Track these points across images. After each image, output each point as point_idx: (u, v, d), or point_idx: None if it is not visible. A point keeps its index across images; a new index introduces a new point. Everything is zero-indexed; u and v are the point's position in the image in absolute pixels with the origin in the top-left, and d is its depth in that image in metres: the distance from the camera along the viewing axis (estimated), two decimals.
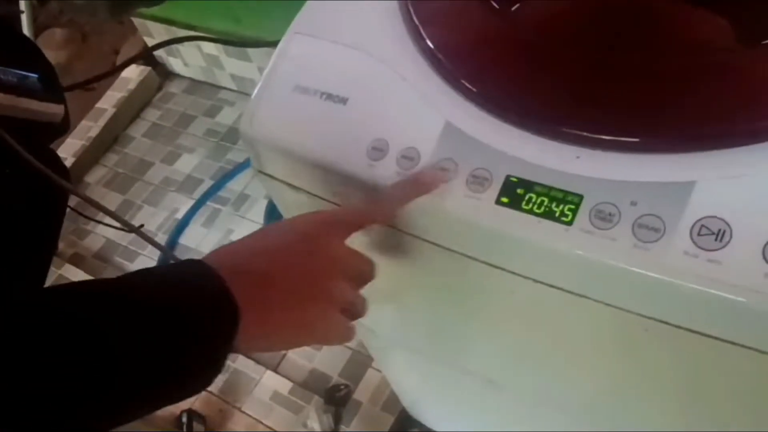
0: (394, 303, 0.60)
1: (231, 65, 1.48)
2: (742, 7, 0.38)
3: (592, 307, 0.39)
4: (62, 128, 0.59)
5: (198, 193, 1.45)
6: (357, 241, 0.54)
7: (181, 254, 1.36)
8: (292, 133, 0.46)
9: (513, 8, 0.42)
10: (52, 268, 1.38)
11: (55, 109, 0.55)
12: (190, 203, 1.43)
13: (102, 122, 1.59)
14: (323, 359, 1.16)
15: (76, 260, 1.43)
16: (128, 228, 0.77)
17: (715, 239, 0.34)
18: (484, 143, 0.40)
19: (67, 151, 1.56)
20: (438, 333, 0.59)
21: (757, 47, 0.37)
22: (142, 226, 1.37)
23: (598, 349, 0.46)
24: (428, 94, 0.42)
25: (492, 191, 0.39)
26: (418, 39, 0.44)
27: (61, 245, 1.45)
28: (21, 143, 0.49)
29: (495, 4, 0.43)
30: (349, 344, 1.15)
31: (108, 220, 0.67)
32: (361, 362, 1.14)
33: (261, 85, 0.48)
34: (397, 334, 0.67)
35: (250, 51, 1.38)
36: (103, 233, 1.46)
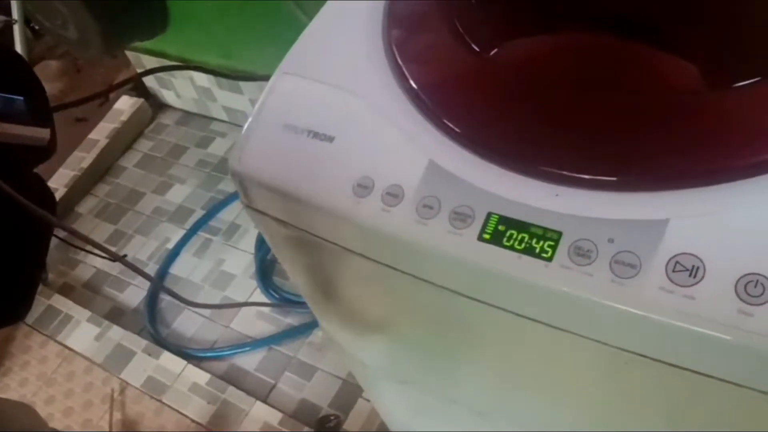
0: (382, 334, 0.60)
1: (223, 97, 1.50)
2: (709, 54, 0.39)
3: (573, 341, 0.40)
4: (49, 151, 0.59)
5: (189, 223, 1.45)
6: (345, 275, 0.54)
7: (172, 284, 1.36)
8: (279, 170, 0.47)
9: (492, 52, 0.43)
10: (42, 299, 1.37)
11: (42, 133, 0.55)
12: (182, 233, 1.44)
13: (94, 153, 1.60)
14: (313, 389, 1.16)
15: (66, 290, 1.43)
16: (112, 257, 0.77)
17: (689, 275, 0.35)
18: (466, 181, 0.41)
19: (59, 181, 1.57)
20: (425, 364, 0.60)
21: (725, 91, 0.38)
22: (125, 255, 1.38)
23: (582, 381, 0.47)
24: (412, 133, 0.44)
25: (474, 228, 0.40)
26: (402, 80, 0.45)
27: (50, 275, 1.45)
28: (5, 168, 0.49)
29: (475, 47, 0.44)
30: (338, 374, 1.15)
31: (90, 248, 0.68)
32: (351, 392, 1.13)
33: (250, 122, 0.49)
34: (385, 365, 0.67)
35: (242, 84, 1.39)
36: (92, 263, 1.46)
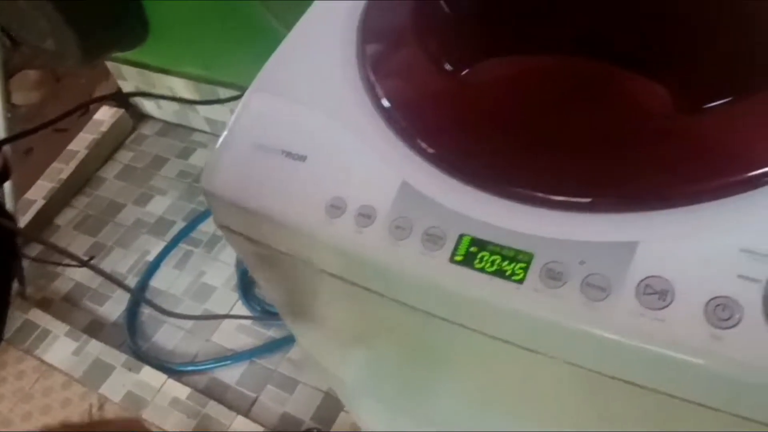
0: (357, 352, 0.60)
1: (204, 108, 1.49)
2: (679, 76, 0.40)
3: (546, 363, 0.40)
4: (2, 177, 0.58)
5: (170, 235, 1.44)
6: (319, 294, 0.54)
7: (153, 296, 1.35)
8: (251, 189, 0.46)
9: (464, 72, 0.43)
10: (19, 313, 1.35)
11: None
12: (162, 245, 1.42)
13: (73, 164, 1.58)
14: (295, 403, 1.15)
15: (45, 304, 1.40)
16: (79, 263, 0.76)
17: (659, 298, 0.35)
18: (438, 202, 0.41)
19: (37, 193, 1.55)
20: (401, 383, 0.59)
21: (696, 113, 0.38)
22: (92, 258, 1.36)
23: (557, 402, 0.46)
24: (385, 153, 0.43)
25: (446, 250, 0.40)
26: (375, 99, 0.45)
27: (29, 289, 1.43)
28: None
29: (448, 67, 0.44)
30: (321, 387, 1.15)
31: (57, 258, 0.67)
32: (333, 405, 1.13)
33: (222, 141, 0.49)
34: (361, 382, 0.67)
35: (223, 94, 1.39)
36: (71, 276, 1.44)
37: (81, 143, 1.62)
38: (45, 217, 1.54)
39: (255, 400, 1.17)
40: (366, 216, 0.42)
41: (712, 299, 0.34)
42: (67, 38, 1.20)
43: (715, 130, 0.38)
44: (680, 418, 0.39)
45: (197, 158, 1.56)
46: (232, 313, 1.29)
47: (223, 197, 0.48)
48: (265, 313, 1.26)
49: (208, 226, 1.43)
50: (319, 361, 0.69)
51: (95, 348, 1.28)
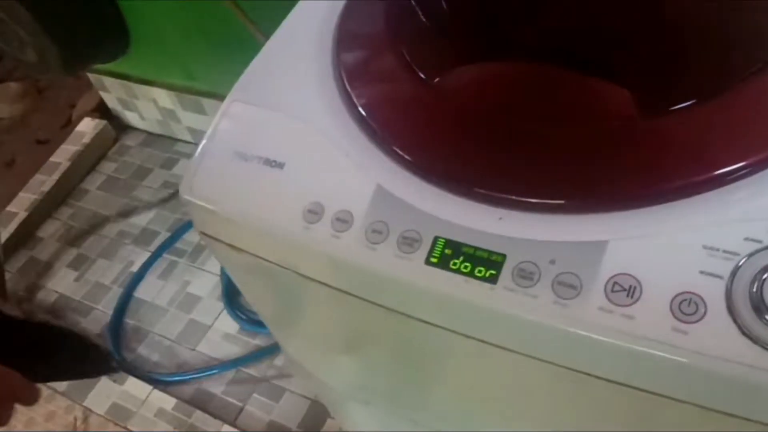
0: (340, 356, 0.61)
1: (187, 118, 1.50)
2: (645, 80, 0.41)
3: (522, 361, 0.41)
4: None
5: (154, 245, 1.43)
6: (299, 299, 0.54)
7: (137, 307, 1.35)
8: (230, 197, 0.47)
9: (436, 79, 0.44)
10: None
11: None
12: (146, 256, 1.42)
13: (56, 176, 1.58)
14: (282, 411, 1.15)
15: (28, 317, 1.39)
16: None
17: (627, 295, 0.36)
18: (413, 206, 0.42)
19: (19, 205, 1.54)
20: (384, 385, 0.60)
21: (662, 115, 0.39)
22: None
23: (537, 400, 0.47)
24: (361, 159, 0.44)
25: (421, 252, 0.41)
26: (351, 107, 0.46)
27: (11, 302, 1.42)
28: None
29: (421, 74, 0.45)
30: (307, 394, 1.15)
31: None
32: (320, 412, 1.13)
33: (200, 150, 0.49)
34: (345, 385, 0.68)
35: (206, 104, 1.39)
36: (54, 288, 1.43)
37: (63, 155, 1.62)
38: (27, 230, 1.53)
39: (242, 409, 1.17)
40: (343, 221, 0.43)
41: (678, 295, 0.35)
42: (48, 50, 1.20)
43: (679, 133, 0.39)
44: (654, 415, 0.40)
45: (181, 168, 1.56)
46: (217, 322, 1.29)
47: (202, 205, 0.48)
48: (251, 322, 1.26)
49: (192, 236, 1.43)
50: (304, 367, 0.70)
51: None
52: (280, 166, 0.46)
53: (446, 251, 0.40)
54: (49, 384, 1.26)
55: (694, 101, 0.40)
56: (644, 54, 0.42)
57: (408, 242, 0.41)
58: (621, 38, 0.43)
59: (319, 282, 0.46)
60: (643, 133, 0.39)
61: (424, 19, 0.50)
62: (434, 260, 0.40)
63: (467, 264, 0.40)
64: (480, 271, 0.39)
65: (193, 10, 1.17)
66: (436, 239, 0.41)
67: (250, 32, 1.01)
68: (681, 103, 0.40)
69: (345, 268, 0.43)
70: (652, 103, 0.40)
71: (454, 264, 0.40)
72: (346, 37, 0.51)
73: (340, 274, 0.45)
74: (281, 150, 0.47)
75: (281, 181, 0.46)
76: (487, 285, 0.39)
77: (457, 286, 0.39)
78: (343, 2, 0.54)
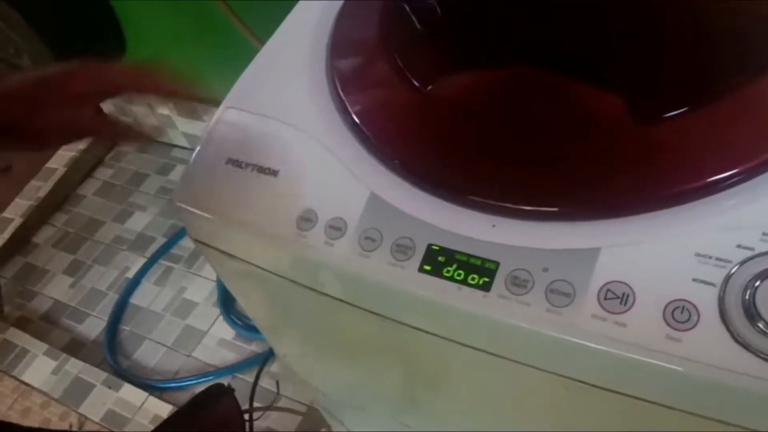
0: (333, 363, 0.60)
1: (183, 124, 1.49)
2: (636, 89, 0.41)
3: (515, 368, 0.41)
4: None
5: (150, 251, 1.43)
6: (293, 306, 0.54)
7: (132, 314, 1.34)
8: (224, 204, 0.47)
9: (429, 87, 0.44)
10: None
11: None
12: (142, 261, 1.42)
13: (51, 182, 1.57)
14: (278, 417, 1.15)
15: (23, 323, 1.39)
16: None
17: (620, 303, 0.36)
18: (407, 213, 0.42)
19: (15, 212, 1.54)
20: (377, 392, 0.60)
21: (655, 123, 0.40)
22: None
23: (530, 406, 0.47)
24: (354, 166, 0.44)
25: (415, 259, 0.41)
26: (344, 114, 0.46)
27: (6, 308, 1.41)
28: None
29: (415, 81, 0.45)
30: (303, 401, 1.14)
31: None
32: (316, 419, 1.12)
33: (194, 158, 0.49)
34: (339, 391, 0.67)
35: (202, 110, 1.39)
36: (50, 294, 1.43)
37: (59, 161, 1.62)
38: (23, 236, 1.53)
39: None
40: (336, 228, 0.43)
41: (671, 302, 0.35)
42: (42, 54, 1.20)
43: (671, 140, 0.39)
44: (647, 421, 0.40)
45: (177, 174, 1.56)
46: (213, 328, 1.29)
47: (197, 213, 0.48)
48: (247, 327, 1.26)
49: (188, 242, 1.43)
50: (298, 373, 0.70)
51: (75, 366, 1.27)
52: (274, 173, 0.46)
53: (440, 258, 0.40)
54: (44, 391, 1.25)
55: (686, 109, 0.40)
56: (637, 62, 0.42)
57: (401, 250, 0.41)
58: (614, 46, 0.43)
59: (312, 289, 0.46)
60: (635, 141, 0.39)
61: (418, 26, 0.51)
62: (428, 268, 0.40)
63: (461, 271, 0.39)
64: (473, 279, 0.39)
65: (188, 15, 1.17)
66: (429, 246, 0.41)
67: (246, 38, 1.01)
68: (673, 111, 0.40)
69: (338, 276, 0.43)
70: (644, 110, 0.40)
71: (448, 271, 0.40)
72: (340, 43, 0.51)
73: (333, 282, 0.44)
74: (275, 157, 0.47)
75: (275, 189, 0.46)
76: (480, 292, 0.39)
77: (450, 294, 0.39)
78: (337, 8, 0.54)
